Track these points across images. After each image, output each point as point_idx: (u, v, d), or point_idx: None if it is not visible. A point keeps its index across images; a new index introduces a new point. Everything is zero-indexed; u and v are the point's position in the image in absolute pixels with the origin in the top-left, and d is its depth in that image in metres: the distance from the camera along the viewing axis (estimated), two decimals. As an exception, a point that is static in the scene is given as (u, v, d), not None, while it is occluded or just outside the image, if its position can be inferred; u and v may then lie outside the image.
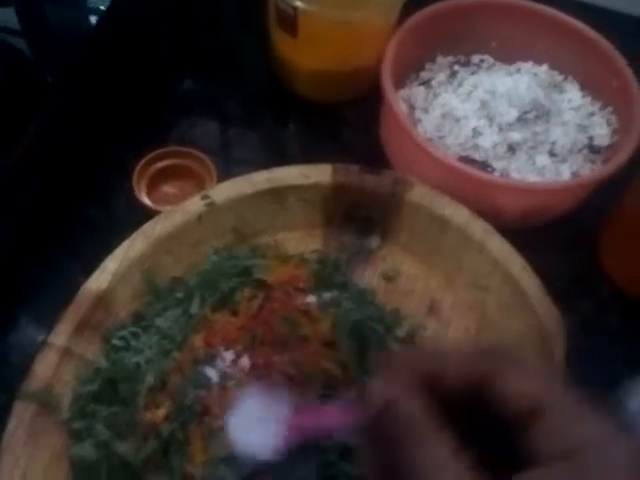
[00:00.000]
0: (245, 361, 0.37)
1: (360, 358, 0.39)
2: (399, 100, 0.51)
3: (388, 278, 0.48)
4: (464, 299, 0.47)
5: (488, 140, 0.49)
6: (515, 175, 0.49)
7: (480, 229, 0.46)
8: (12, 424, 0.40)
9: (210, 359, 0.37)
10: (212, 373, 0.36)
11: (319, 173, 0.48)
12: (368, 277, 0.48)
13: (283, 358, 0.37)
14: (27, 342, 0.47)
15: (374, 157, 0.53)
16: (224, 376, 0.36)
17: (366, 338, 0.40)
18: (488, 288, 0.46)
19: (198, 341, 0.39)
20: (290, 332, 0.38)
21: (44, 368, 0.42)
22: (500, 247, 0.46)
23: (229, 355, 0.37)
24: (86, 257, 0.50)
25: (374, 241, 0.49)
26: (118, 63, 0.61)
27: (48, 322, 0.48)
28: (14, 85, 0.55)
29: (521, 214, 0.48)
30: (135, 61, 0.62)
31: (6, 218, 0.51)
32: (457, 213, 0.46)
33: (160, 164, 0.52)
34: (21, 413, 0.40)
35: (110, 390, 0.41)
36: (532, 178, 0.49)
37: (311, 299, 0.41)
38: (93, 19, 0.71)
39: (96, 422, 0.40)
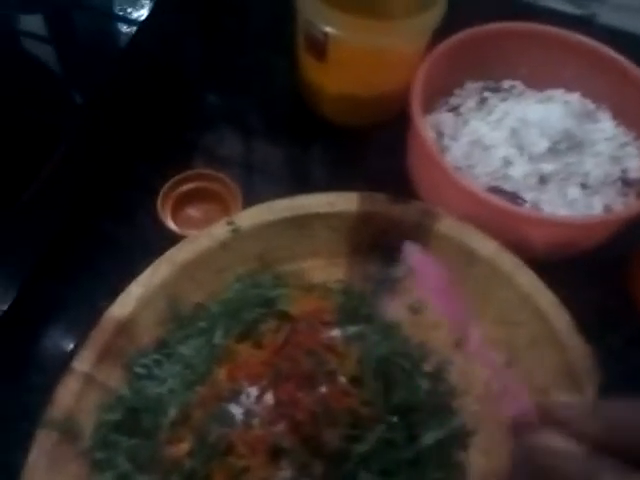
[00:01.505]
0: (270, 398, 0.36)
1: (386, 396, 0.38)
2: (427, 126, 0.50)
3: (414, 310, 0.47)
4: (491, 333, 0.46)
5: (519, 170, 0.48)
6: (546, 207, 0.48)
7: (509, 262, 0.45)
8: (34, 453, 0.40)
9: (234, 395, 0.37)
10: (236, 410, 0.36)
11: (345, 201, 0.47)
12: (393, 309, 0.47)
13: (308, 395, 0.36)
14: (49, 365, 0.47)
15: (400, 184, 0.53)
16: (248, 413, 0.36)
17: (392, 375, 0.39)
18: (516, 323, 0.45)
19: (221, 375, 0.38)
20: (316, 368, 0.37)
21: (66, 395, 0.42)
22: (529, 281, 0.45)
23: (254, 391, 0.37)
24: (109, 279, 0.50)
25: (400, 270, 0.48)
26: (147, 80, 0.61)
27: (70, 345, 0.48)
28: (40, 104, 0.55)
29: (551, 247, 0.47)
30: (163, 77, 0.62)
31: (31, 238, 0.51)
32: (485, 246, 0.46)
33: (185, 187, 0.52)
34: (43, 442, 0.40)
35: (132, 420, 0.41)
36: (563, 210, 0.48)
37: (336, 333, 0.40)
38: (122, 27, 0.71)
39: (117, 453, 0.40)
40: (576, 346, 0.43)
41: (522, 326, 0.45)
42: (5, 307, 0.47)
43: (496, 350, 0.46)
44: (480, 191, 0.46)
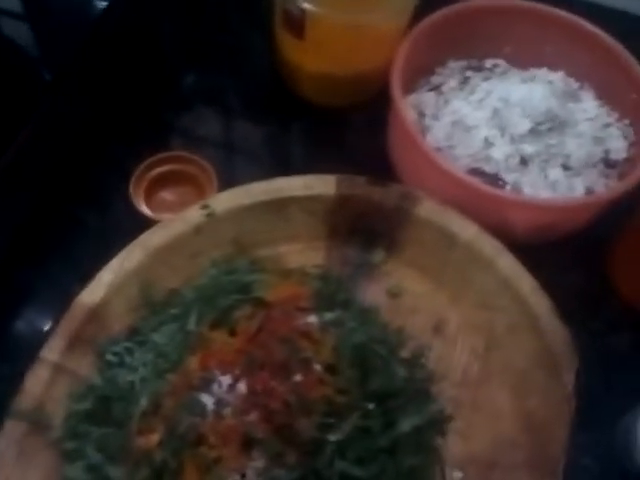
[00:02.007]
0: (242, 387, 0.35)
1: (363, 383, 0.37)
2: (407, 106, 0.49)
3: (392, 295, 0.46)
4: (471, 318, 0.46)
5: (500, 152, 0.47)
6: (527, 189, 0.47)
7: (489, 246, 0.44)
8: (2, 444, 0.39)
9: (206, 384, 0.36)
10: (207, 399, 0.35)
11: (323, 184, 0.46)
12: (372, 293, 0.46)
13: (282, 384, 0.35)
14: (18, 353, 0.46)
15: (379, 165, 0.52)
16: (220, 403, 0.35)
17: (369, 362, 0.38)
18: (496, 307, 0.45)
19: (193, 363, 0.37)
20: (290, 356, 0.36)
21: (35, 385, 0.41)
22: (510, 265, 0.44)
23: (226, 380, 0.36)
24: (81, 264, 0.49)
25: (378, 255, 0.47)
26: (120, 58, 0.59)
27: (40, 333, 0.47)
28: (8, 82, 0.53)
29: (532, 230, 0.47)
30: (137, 56, 0.60)
31: (-1, 222, 0.49)
32: (465, 229, 0.45)
33: (159, 170, 0.50)
34: (11, 432, 0.39)
35: (103, 410, 0.40)
36: (544, 192, 0.47)
37: (312, 319, 0.39)
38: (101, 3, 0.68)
39: (87, 443, 0.39)
40: (555, 331, 0.42)
41: (502, 311, 0.45)
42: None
43: (476, 335, 0.45)
44: (460, 173, 0.45)
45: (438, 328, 0.46)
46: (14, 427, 0.39)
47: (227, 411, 0.34)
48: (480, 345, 0.45)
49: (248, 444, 0.34)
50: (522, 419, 0.43)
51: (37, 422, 0.40)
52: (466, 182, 0.45)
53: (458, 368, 0.45)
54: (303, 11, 0.48)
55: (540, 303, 0.43)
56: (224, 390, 0.35)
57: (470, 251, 0.44)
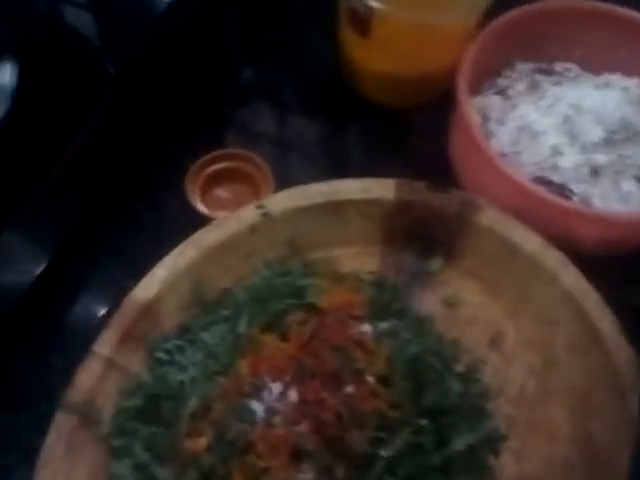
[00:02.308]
0: (293, 395, 0.35)
1: (416, 398, 0.36)
2: (473, 110, 0.47)
3: (448, 305, 0.45)
4: (530, 333, 0.44)
5: (569, 161, 0.45)
6: (597, 201, 0.44)
7: (553, 259, 0.42)
8: (52, 437, 0.39)
9: (256, 390, 0.35)
10: (258, 407, 0.34)
11: (381, 188, 0.45)
12: (427, 303, 0.45)
13: (334, 395, 0.34)
14: (71, 347, 0.46)
15: (440, 170, 0.50)
16: (270, 410, 0.34)
17: (423, 375, 0.37)
18: (557, 323, 0.43)
19: (244, 367, 0.37)
20: (343, 366, 0.35)
21: (87, 379, 0.41)
22: (574, 280, 0.42)
23: (276, 387, 0.35)
24: (133, 261, 0.49)
25: (436, 263, 0.46)
26: (182, 52, 0.58)
27: (92, 327, 0.47)
28: (71, 72, 0.53)
29: (600, 244, 0.44)
30: (198, 51, 0.59)
31: (57, 216, 0.49)
32: (528, 240, 0.43)
33: (215, 167, 0.50)
34: (61, 426, 0.39)
35: (152, 408, 0.40)
36: (616, 205, 0.44)
37: (366, 328, 0.38)
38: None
39: (135, 441, 0.39)
40: (619, 350, 0.40)
41: (563, 326, 0.43)
42: (27, 287, 0.46)
43: (534, 350, 0.44)
44: (525, 181, 0.43)
45: (495, 341, 0.44)
46: (64, 420, 0.39)
47: (277, 420, 0.34)
48: (538, 361, 0.43)
49: (297, 455, 0.33)
50: (580, 441, 0.41)
51: (87, 416, 0.40)
52: (531, 191, 0.42)
53: (514, 385, 0.43)
54: (370, 9, 0.46)
55: (604, 320, 0.41)
56: (274, 398, 0.35)
57: (532, 263, 0.43)
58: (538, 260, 0.43)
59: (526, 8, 0.49)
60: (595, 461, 0.40)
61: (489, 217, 0.43)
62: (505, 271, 0.44)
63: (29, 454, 0.39)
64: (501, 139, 0.48)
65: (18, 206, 0.45)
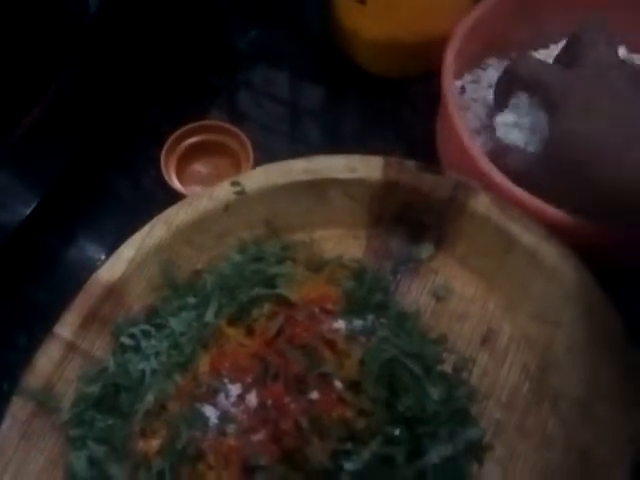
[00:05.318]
0: (252, 399, 0.32)
1: (389, 405, 0.33)
2: (454, 85, 0.42)
3: (438, 296, 0.41)
4: (526, 331, 0.40)
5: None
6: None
7: (554, 253, 0.38)
8: (5, 424, 0.37)
9: (213, 393, 0.32)
10: (212, 412, 0.31)
11: (368, 167, 0.41)
12: (414, 293, 0.41)
13: (296, 401, 0.31)
14: (36, 324, 0.43)
15: (434, 145, 0.46)
16: (224, 417, 0.31)
17: (399, 380, 0.33)
18: (557, 322, 0.39)
19: (204, 364, 0.34)
20: (309, 369, 0.32)
21: (46, 363, 0.38)
22: (578, 276, 0.38)
23: (235, 389, 0.32)
24: (107, 234, 0.46)
25: (426, 249, 0.42)
26: (171, 10, 0.54)
27: (60, 302, 0.44)
28: (48, 11, 0.47)
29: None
30: (189, 12, 0.55)
31: (26, 181, 0.46)
32: (528, 231, 0.39)
33: (193, 139, 0.46)
34: (17, 412, 0.37)
35: (111, 397, 0.37)
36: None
37: (339, 325, 0.35)
38: None
39: (91, 433, 0.36)
40: (627, 358, 0.36)
41: (563, 327, 0.39)
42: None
43: (529, 351, 0.40)
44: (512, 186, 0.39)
45: (487, 339, 0.40)
46: (20, 407, 0.37)
47: (231, 428, 0.31)
48: (534, 363, 0.39)
49: (251, 468, 0.30)
50: (575, 454, 0.37)
51: (44, 403, 0.38)
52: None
53: (505, 387, 0.39)
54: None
55: (610, 324, 0.37)
56: (231, 402, 0.31)
57: (531, 257, 0.38)
58: (538, 254, 0.38)
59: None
60: (588, 477, 0.36)
61: (485, 204, 0.39)
62: (501, 263, 0.40)
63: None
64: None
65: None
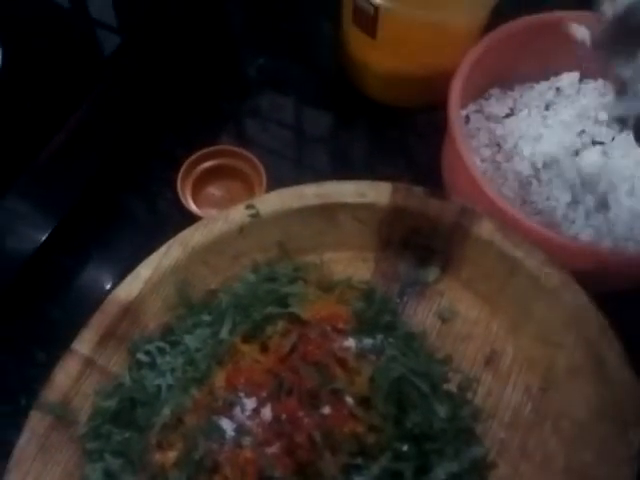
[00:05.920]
0: (267, 412, 0.33)
1: (398, 422, 0.34)
2: (461, 116, 0.44)
3: (443, 318, 0.43)
4: (528, 353, 0.41)
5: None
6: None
7: (556, 278, 0.40)
8: (24, 437, 0.38)
9: (229, 407, 0.33)
10: (228, 425, 0.32)
11: (377, 192, 0.42)
12: (421, 314, 0.43)
13: (310, 416, 0.33)
14: (53, 341, 0.44)
15: (440, 173, 0.47)
16: (240, 430, 0.32)
17: (407, 397, 0.35)
18: (559, 345, 0.40)
19: (220, 379, 0.35)
20: (321, 385, 0.33)
21: (64, 378, 0.40)
22: (578, 300, 0.39)
23: (250, 403, 0.33)
24: (122, 256, 0.48)
25: (432, 273, 0.44)
26: (183, 40, 0.56)
27: (75, 322, 0.46)
28: (63, 57, 0.50)
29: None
30: (202, 41, 0.58)
31: (45, 207, 0.48)
32: (530, 256, 0.40)
33: (208, 164, 0.48)
34: (35, 426, 0.38)
35: (128, 412, 0.39)
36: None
37: (350, 343, 0.36)
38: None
39: (108, 446, 0.38)
40: (624, 381, 0.37)
41: (564, 349, 0.40)
42: (14, 275, 0.45)
43: (532, 372, 0.41)
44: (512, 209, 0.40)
45: (490, 360, 0.42)
46: (39, 420, 0.38)
47: (247, 440, 0.32)
48: (536, 384, 0.41)
49: (265, 477, 0.31)
50: (574, 474, 0.38)
51: (62, 417, 0.39)
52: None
53: (509, 407, 0.40)
54: (376, 8, 0.44)
55: (610, 347, 0.38)
56: (247, 415, 0.33)
57: (534, 281, 0.40)
58: (540, 278, 0.40)
59: (539, 17, 0.46)
60: (589, 496, 0.38)
61: (488, 229, 0.41)
62: (505, 287, 0.42)
63: (5, 448, 0.38)
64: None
65: (3, 193, 0.44)
